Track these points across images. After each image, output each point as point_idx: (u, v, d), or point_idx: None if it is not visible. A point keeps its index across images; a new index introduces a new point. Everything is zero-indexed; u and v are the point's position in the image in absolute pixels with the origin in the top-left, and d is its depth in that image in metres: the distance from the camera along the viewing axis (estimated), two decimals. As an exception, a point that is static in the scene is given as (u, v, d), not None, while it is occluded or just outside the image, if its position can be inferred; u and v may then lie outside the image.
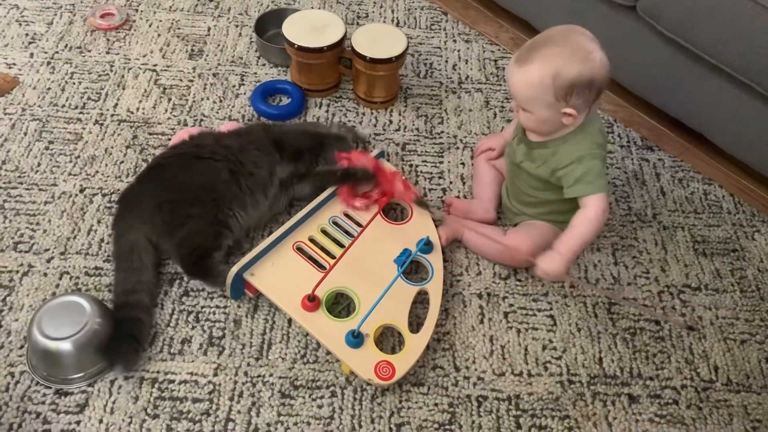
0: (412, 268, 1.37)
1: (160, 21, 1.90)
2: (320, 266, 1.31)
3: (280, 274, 1.28)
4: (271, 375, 1.23)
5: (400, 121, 1.70)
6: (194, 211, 1.32)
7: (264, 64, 1.80)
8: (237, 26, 1.90)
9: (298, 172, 1.43)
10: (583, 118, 1.26)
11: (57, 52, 1.77)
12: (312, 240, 1.35)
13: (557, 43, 1.20)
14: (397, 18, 1.98)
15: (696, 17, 1.44)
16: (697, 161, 1.67)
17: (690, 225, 1.53)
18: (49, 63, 1.74)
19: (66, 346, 1.15)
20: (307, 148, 1.45)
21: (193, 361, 1.23)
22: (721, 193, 1.60)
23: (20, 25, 1.84)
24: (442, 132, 1.68)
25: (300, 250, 1.33)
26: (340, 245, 1.35)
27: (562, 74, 1.17)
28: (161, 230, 1.32)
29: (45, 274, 1.33)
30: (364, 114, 1.70)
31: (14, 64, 1.73)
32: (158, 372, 1.21)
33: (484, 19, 1.99)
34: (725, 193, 1.60)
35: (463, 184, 1.57)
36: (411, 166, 1.60)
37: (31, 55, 1.76)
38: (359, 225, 1.39)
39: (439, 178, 1.58)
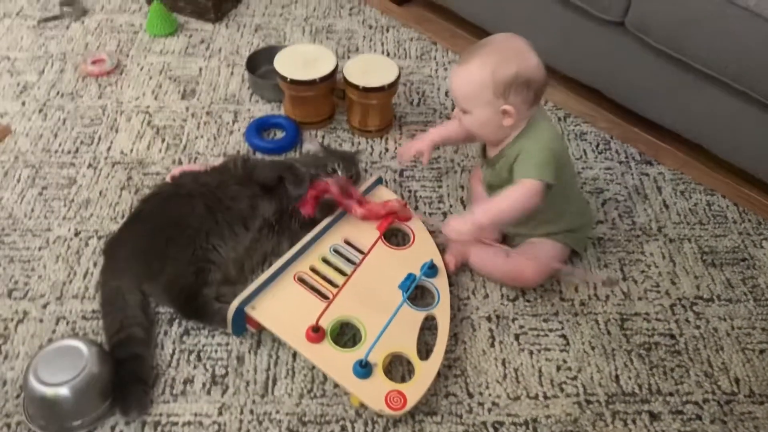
0: (417, 294, 1.34)
1: (151, 64, 1.90)
2: (323, 296, 1.27)
3: (283, 306, 1.24)
4: (277, 412, 1.18)
5: (395, 148, 1.69)
6: (170, 251, 1.29)
7: (257, 101, 1.80)
8: (228, 66, 1.91)
9: (282, 208, 1.40)
10: (525, 122, 1.27)
11: (49, 100, 1.77)
12: (313, 269, 1.32)
13: (496, 45, 1.26)
14: (387, 50, 1.99)
15: (685, 28, 1.44)
16: (697, 173, 1.65)
17: (696, 236, 1.51)
18: (41, 110, 1.73)
19: (64, 391, 1.10)
20: (270, 179, 1.41)
21: (196, 402, 1.19)
22: (725, 203, 1.59)
23: (11, 75, 1.84)
24: (439, 157, 1.66)
25: (302, 280, 1.29)
26: (343, 273, 1.31)
27: (500, 71, 1.20)
28: (142, 277, 1.29)
29: (41, 321, 1.29)
30: (359, 144, 1.69)
31: (6, 113, 1.73)
32: (161, 414, 1.17)
33: (473, 46, 2.00)
34: (729, 203, 1.58)
35: (464, 207, 1.55)
36: (410, 191, 1.58)
37: (23, 103, 1.75)
38: (361, 252, 1.36)
39: (439, 202, 1.56)
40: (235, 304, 1.21)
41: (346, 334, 1.26)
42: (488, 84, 1.21)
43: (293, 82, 1.61)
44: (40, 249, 1.41)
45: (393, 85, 1.63)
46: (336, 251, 1.36)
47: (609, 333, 1.32)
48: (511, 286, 1.38)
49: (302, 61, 1.66)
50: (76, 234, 1.45)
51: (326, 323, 1.21)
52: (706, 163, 1.67)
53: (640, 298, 1.38)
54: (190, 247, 1.30)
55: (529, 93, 1.22)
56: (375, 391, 1.14)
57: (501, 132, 1.28)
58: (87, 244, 1.43)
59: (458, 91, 1.28)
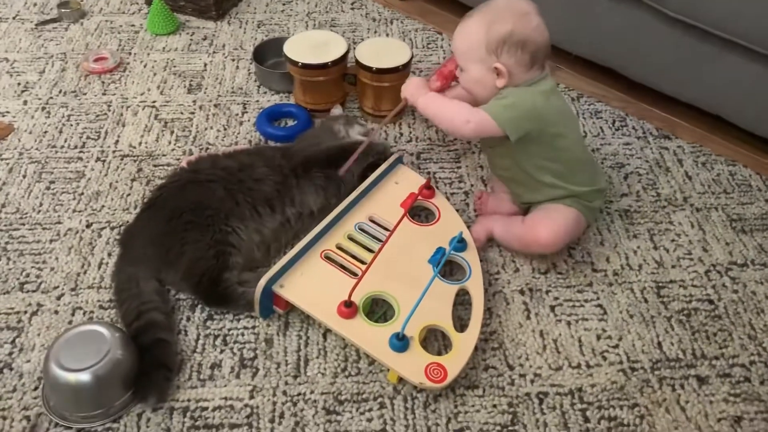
0: (447, 270, 1.30)
1: (155, 61, 1.86)
2: (352, 273, 1.22)
3: (312, 283, 1.19)
4: (312, 392, 1.13)
5: (410, 132, 1.66)
6: (189, 236, 1.24)
7: (265, 92, 1.77)
8: (233, 60, 1.88)
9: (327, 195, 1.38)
10: (517, 83, 1.23)
11: (51, 98, 1.72)
12: (339, 247, 1.27)
13: (497, 4, 1.24)
14: (392, 41, 1.97)
15: (702, -7, 1.43)
16: (716, 146, 1.63)
17: (723, 205, 1.48)
18: (44, 108, 1.69)
19: (86, 377, 1.04)
20: (315, 156, 1.41)
21: (225, 386, 1.13)
22: (747, 172, 1.57)
23: (11, 75, 1.79)
24: (456, 139, 1.63)
25: (328, 258, 1.25)
26: (370, 251, 1.27)
27: (495, 27, 1.19)
28: (159, 265, 1.24)
29: (56, 312, 1.23)
30: (372, 129, 1.66)
31: (8, 112, 1.68)
32: (189, 400, 1.11)
33: (479, 34, 1.99)
34: (751, 173, 1.56)
35: (485, 185, 1.51)
36: (429, 173, 1.54)
37: (25, 102, 1.71)
38: (386, 229, 1.31)
39: (459, 182, 1.52)
40: (262, 282, 1.16)
41: (376, 312, 1.21)
42: (482, 40, 1.21)
43: (305, 66, 1.58)
44: (51, 242, 1.36)
45: (406, 67, 1.60)
46: (361, 229, 1.31)
47: (646, 301, 1.28)
48: (531, 253, 1.33)
49: (313, 45, 1.63)
50: (88, 225, 1.39)
51: (357, 299, 1.17)
52: (724, 137, 1.65)
53: (673, 266, 1.35)
54: (209, 231, 1.25)
55: (524, 54, 1.20)
56: (413, 364, 1.09)
57: (493, 92, 1.25)
58: (100, 235, 1.37)
59: (456, 47, 1.27)
